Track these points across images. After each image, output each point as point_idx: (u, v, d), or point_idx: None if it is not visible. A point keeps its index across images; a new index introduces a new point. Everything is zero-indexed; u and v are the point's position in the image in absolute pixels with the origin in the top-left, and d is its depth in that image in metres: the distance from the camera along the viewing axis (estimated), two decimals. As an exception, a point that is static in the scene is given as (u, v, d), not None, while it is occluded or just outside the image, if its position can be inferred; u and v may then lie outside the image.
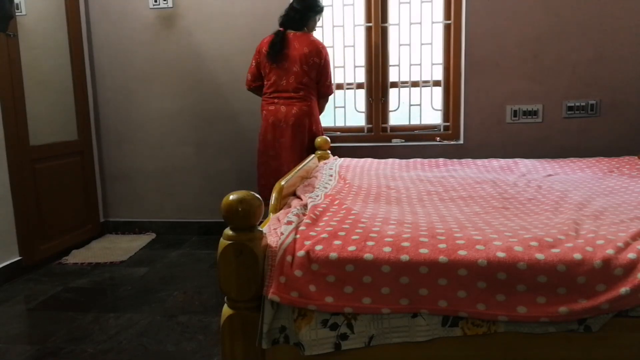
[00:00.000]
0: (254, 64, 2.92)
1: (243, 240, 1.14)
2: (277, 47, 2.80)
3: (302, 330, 1.16)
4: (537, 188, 1.85)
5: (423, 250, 1.15)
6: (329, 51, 3.03)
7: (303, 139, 2.83)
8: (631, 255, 1.12)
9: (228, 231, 1.17)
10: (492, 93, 3.19)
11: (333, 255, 1.16)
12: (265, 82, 2.90)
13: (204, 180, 3.52)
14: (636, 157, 2.35)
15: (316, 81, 2.87)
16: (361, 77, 3.41)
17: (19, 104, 2.80)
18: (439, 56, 3.33)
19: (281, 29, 2.87)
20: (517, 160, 2.48)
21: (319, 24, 3.05)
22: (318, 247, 1.18)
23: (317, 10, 2.91)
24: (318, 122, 2.93)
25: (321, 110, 3.01)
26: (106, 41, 3.46)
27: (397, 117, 3.44)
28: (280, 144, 2.83)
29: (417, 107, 3.40)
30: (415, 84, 3.38)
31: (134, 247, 3.27)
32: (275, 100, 2.83)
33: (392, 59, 3.37)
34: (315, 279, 1.16)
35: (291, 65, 2.80)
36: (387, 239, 1.21)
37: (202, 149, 3.49)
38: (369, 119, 3.43)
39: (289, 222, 1.30)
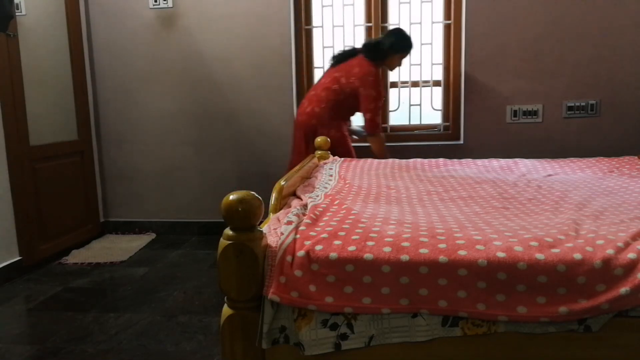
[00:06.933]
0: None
1: (243, 240, 1.14)
2: None
3: (302, 330, 1.16)
4: (537, 188, 1.85)
5: (423, 250, 1.15)
6: (328, 51, 3.02)
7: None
8: (631, 255, 1.12)
9: (228, 231, 1.17)
10: (492, 93, 3.19)
11: (333, 255, 1.16)
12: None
13: (204, 180, 3.52)
14: (636, 157, 2.34)
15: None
16: (361, 77, 3.40)
17: (19, 104, 2.80)
18: (439, 56, 3.32)
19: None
20: (517, 160, 2.47)
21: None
22: (318, 247, 1.18)
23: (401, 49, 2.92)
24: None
25: None
26: (106, 41, 3.46)
27: (397, 117, 3.44)
28: None
29: (417, 107, 3.40)
30: (415, 84, 3.38)
31: (134, 247, 3.27)
32: None
33: (392, 59, 3.36)
34: (315, 279, 1.16)
35: None
36: (387, 239, 1.21)
37: (202, 149, 3.49)
38: (369, 119, 3.42)
39: (289, 222, 1.30)
